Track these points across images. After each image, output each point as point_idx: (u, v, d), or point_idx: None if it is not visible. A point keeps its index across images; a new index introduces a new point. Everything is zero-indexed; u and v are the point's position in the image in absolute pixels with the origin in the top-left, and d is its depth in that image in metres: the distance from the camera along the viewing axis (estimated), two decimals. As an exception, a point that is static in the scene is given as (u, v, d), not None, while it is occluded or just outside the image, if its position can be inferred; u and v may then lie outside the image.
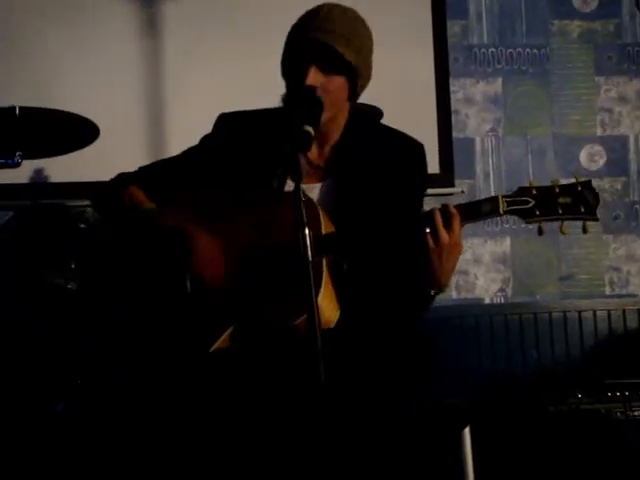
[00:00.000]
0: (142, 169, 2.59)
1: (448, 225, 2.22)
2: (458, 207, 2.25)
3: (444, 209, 2.23)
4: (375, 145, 2.49)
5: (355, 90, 2.46)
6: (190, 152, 2.58)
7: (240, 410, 2.24)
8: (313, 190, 2.42)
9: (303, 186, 2.06)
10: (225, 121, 2.58)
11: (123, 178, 2.56)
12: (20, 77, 4.18)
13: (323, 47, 2.36)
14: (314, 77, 2.34)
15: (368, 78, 2.50)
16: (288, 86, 2.46)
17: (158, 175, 2.54)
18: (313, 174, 2.46)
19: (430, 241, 2.22)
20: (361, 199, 2.39)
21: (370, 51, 2.48)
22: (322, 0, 2.50)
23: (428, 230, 2.23)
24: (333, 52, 2.36)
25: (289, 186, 2.10)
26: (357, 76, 2.43)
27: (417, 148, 2.53)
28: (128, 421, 2.51)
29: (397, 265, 2.34)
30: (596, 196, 2.23)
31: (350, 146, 2.47)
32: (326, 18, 2.40)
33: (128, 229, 2.53)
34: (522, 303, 4.53)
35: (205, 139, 2.58)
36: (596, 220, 2.24)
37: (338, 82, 2.40)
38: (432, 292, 2.32)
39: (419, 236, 2.23)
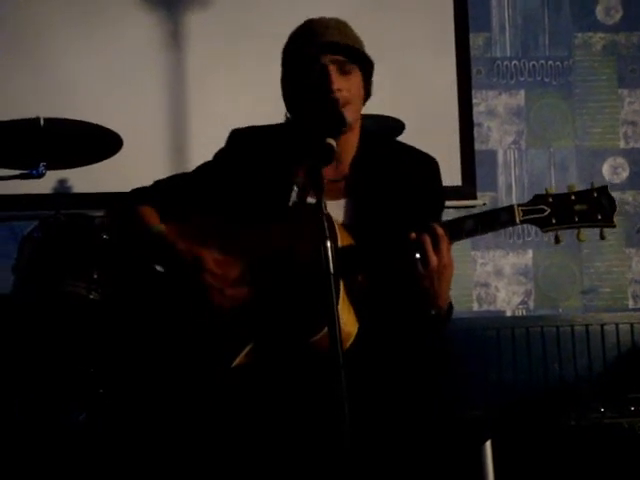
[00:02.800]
0: (156, 184, 2.57)
1: (436, 248, 2.19)
2: (445, 226, 2.22)
3: (432, 232, 2.20)
4: (391, 162, 2.47)
5: (368, 89, 2.45)
6: (204, 168, 2.57)
7: (261, 427, 2.23)
8: (337, 207, 2.41)
9: (327, 202, 2.05)
10: (237, 137, 2.57)
11: (135, 195, 2.53)
12: (45, 88, 4.21)
13: (337, 48, 2.35)
14: (338, 80, 2.34)
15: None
16: (295, 100, 2.46)
17: (172, 192, 2.52)
18: (332, 190, 2.44)
19: (420, 267, 2.20)
20: (382, 216, 2.38)
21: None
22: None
23: (418, 256, 2.20)
24: (348, 51, 2.36)
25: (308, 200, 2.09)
26: (371, 73, 2.43)
27: (432, 164, 2.52)
28: (148, 434, 2.52)
29: (400, 283, 2.32)
30: (612, 202, 2.20)
31: (368, 163, 2.46)
32: (325, 25, 2.40)
33: (141, 250, 2.52)
34: (544, 316, 4.51)
35: (218, 155, 2.58)
36: (613, 227, 2.21)
37: (357, 81, 2.39)
38: (432, 312, 2.30)
39: (409, 262, 2.21)
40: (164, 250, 2.39)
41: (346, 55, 2.36)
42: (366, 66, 2.42)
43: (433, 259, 2.19)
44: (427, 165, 2.50)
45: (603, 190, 2.22)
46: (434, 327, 2.34)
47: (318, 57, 2.35)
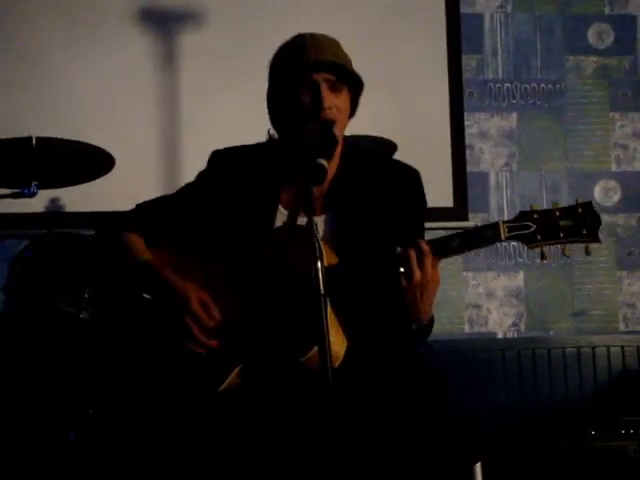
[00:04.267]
0: (138, 208, 2.57)
1: (420, 264, 2.20)
2: (430, 243, 2.23)
3: (417, 248, 2.21)
4: (371, 174, 2.48)
5: (354, 106, 2.46)
6: (186, 189, 2.58)
7: (251, 446, 2.22)
8: (319, 223, 2.41)
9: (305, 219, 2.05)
10: (218, 158, 2.57)
11: (119, 221, 2.53)
12: (37, 108, 4.21)
13: (329, 66, 2.36)
14: (329, 98, 2.35)
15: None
16: (283, 116, 2.45)
17: (155, 215, 2.52)
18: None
19: (403, 280, 2.21)
20: (364, 230, 2.39)
21: None
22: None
23: (402, 270, 2.21)
24: (339, 70, 2.37)
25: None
26: (359, 92, 2.44)
27: (413, 174, 2.52)
28: (138, 454, 2.50)
29: (384, 297, 2.33)
30: (597, 217, 2.21)
31: (348, 177, 2.47)
32: (317, 42, 2.41)
33: (127, 280, 2.52)
34: (535, 338, 4.51)
35: (200, 176, 2.58)
36: (598, 242, 2.21)
37: (345, 99, 2.40)
38: (413, 326, 2.30)
39: (393, 275, 2.22)
40: (151, 280, 2.39)
41: (337, 74, 2.37)
42: (355, 85, 2.42)
43: (417, 274, 2.20)
44: (407, 176, 2.51)
45: (587, 206, 2.23)
46: (414, 340, 2.35)
47: (310, 74, 2.36)
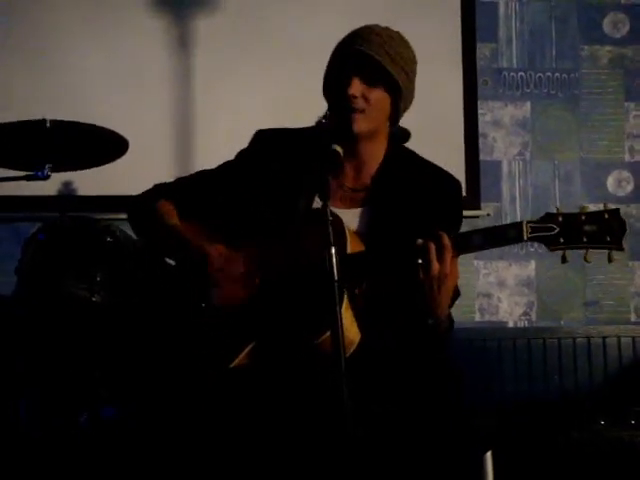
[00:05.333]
0: (178, 181, 2.60)
1: (440, 257, 2.20)
2: (453, 238, 2.21)
3: (437, 241, 2.21)
4: (415, 179, 2.47)
5: (397, 110, 2.45)
6: (226, 167, 2.58)
7: (260, 428, 2.23)
8: (353, 215, 2.42)
9: (342, 210, 2.05)
10: (261, 138, 2.58)
11: (156, 191, 2.57)
12: (51, 90, 4.22)
13: (368, 60, 2.36)
14: (356, 87, 2.35)
15: (410, 101, 2.49)
16: (330, 103, 2.46)
17: (193, 189, 2.55)
18: (351, 199, 2.46)
19: (421, 272, 2.20)
20: (396, 227, 2.38)
21: (414, 73, 2.49)
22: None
23: (420, 261, 2.21)
24: (378, 66, 2.37)
25: (317, 204, 2.09)
26: (400, 96, 2.42)
27: (456, 186, 2.52)
28: (150, 435, 2.52)
29: (402, 288, 2.33)
30: (622, 225, 2.17)
31: (390, 177, 2.47)
32: (373, 35, 2.40)
33: (154, 242, 2.55)
34: (546, 328, 4.50)
35: (241, 154, 2.59)
36: (621, 250, 2.18)
37: (380, 95, 2.39)
38: (430, 321, 2.29)
39: (412, 267, 2.21)
40: (175, 243, 2.42)
41: (373, 70, 2.37)
42: (394, 90, 2.41)
43: (435, 266, 2.20)
44: (449, 185, 2.51)
45: (614, 212, 2.18)
46: (431, 338, 2.34)
47: (347, 62, 2.37)
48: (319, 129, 2.49)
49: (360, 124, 2.35)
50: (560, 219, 2.19)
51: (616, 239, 2.18)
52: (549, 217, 2.20)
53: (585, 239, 2.18)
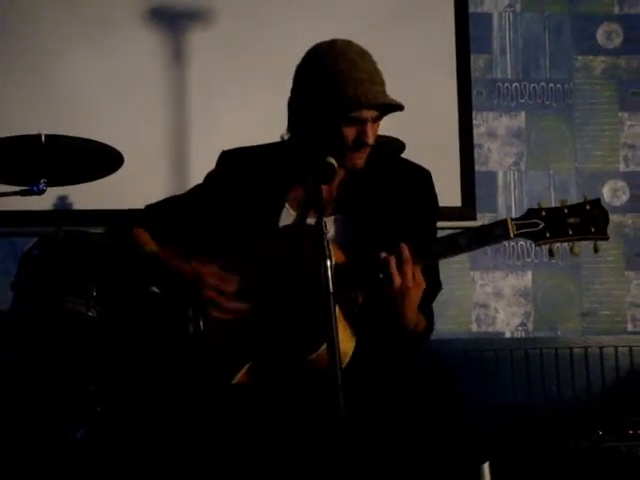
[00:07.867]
0: (148, 208, 2.59)
1: (400, 270, 2.19)
2: (411, 247, 2.21)
3: (398, 255, 2.20)
4: (382, 175, 2.49)
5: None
6: (195, 190, 2.59)
7: (259, 444, 2.23)
8: (329, 223, 2.40)
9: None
10: (227, 158, 2.58)
11: (128, 219, 2.57)
12: (46, 105, 4.22)
13: (379, 106, 2.37)
14: (372, 133, 2.37)
15: None
16: (319, 123, 2.43)
17: (164, 215, 2.54)
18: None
19: (383, 286, 2.20)
20: (373, 231, 2.39)
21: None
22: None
23: (381, 276, 2.20)
24: (386, 107, 2.38)
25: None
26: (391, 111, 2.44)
27: (424, 175, 2.53)
28: (147, 450, 2.51)
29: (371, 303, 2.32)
30: (605, 215, 2.21)
31: (358, 178, 2.47)
32: (368, 71, 2.39)
33: (136, 271, 2.55)
34: (543, 338, 4.50)
35: (209, 177, 2.59)
36: (606, 239, 2.21)
37: (379, 124, 2.44)
38: (400, 331, 2.29)
39: (373, 281, 2.21)
40: (159, 270, 2.41)
41: (381, 108, 2.38)
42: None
43: (397, 280, 2.19)
44: (418, 176, 2.52)
45: (596, 203, 2.23)
46: (407, 346, 2.35)
47: (357, 112, 2.34)
48: (284, 145, 2.50)
49: (363, 158, 2.37)
50: (543, 214, 2.22)
51: (600, 229, 2.21)
52: (532, 213, 2.23)
53: (571, 231, 2.21)
